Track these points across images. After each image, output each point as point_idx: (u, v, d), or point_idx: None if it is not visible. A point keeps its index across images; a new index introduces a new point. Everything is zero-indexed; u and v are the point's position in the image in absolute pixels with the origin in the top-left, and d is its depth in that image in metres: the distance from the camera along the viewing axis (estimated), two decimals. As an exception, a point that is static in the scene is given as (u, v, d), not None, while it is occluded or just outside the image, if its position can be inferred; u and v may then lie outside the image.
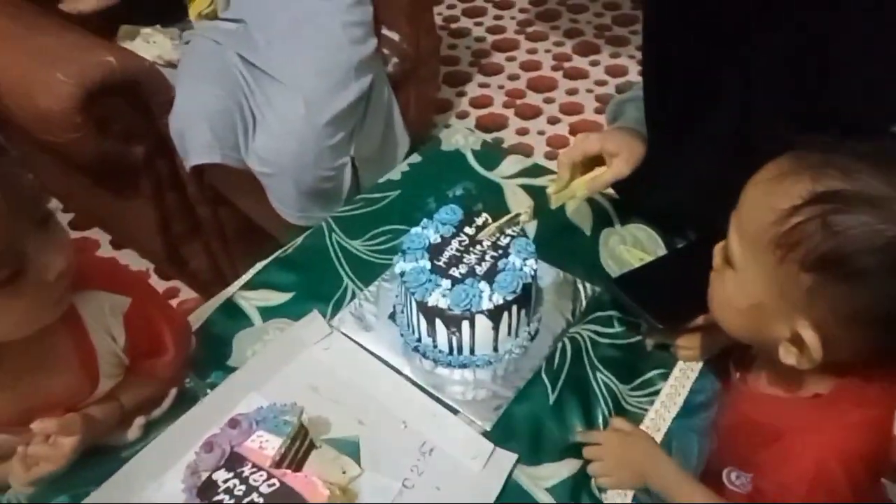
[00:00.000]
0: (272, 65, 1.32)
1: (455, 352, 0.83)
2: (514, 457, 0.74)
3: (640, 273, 0.87)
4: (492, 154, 1.14)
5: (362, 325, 0.89)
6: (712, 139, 0.83)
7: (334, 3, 1.45)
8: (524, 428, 0.78)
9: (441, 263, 0.83)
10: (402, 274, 0.82)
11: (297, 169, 1.31)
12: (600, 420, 0.78)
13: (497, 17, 2.68)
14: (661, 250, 0.96)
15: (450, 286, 0.80)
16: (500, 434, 0.77)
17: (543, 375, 0.82)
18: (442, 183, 1.09)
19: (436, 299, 0.79)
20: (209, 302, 0.92)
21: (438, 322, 0.80)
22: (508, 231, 0.86)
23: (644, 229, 0.99)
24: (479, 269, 0.82)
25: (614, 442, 0.73)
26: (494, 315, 0.79)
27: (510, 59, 2.47)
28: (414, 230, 0.87)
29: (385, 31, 1.69)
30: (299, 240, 1.01)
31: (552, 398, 0.80)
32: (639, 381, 0.82)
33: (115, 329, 0.71)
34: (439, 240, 0.86)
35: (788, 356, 0.58)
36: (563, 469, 0.74)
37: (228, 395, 0.80)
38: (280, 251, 1.00)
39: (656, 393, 0.81)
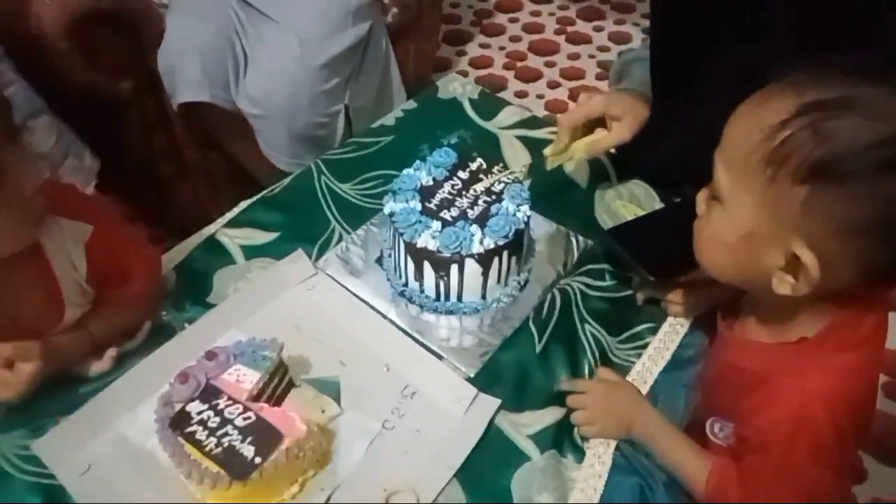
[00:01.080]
0: (267, 3, 1.27)
1: (442, 297, 0.81)
2: (496, 402, 0.73)
3: (633, 225, 0.85)
4: (490, 104, 1.11)
5: (348, 269, 0.86)
6: (717, 93, 0.80)
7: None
8: (509, 375, 0.76)
9: (432, 205, 0.81)
10: (392, 214, 0.80)
11: (289, 112, 1.27)
12: (586, 371, 0.77)
13: (502, -23, 2.61)
14: (658, 206, 0.94)
15: (440, 228, 0.77)
16: (485, 381, 0.75)
17: (531, 325, 0.80)
18: (437, 130, 1.05)
19: (425, 241, 0.77)
20: (190, 238, 0.89)
21: (427, 265, 0.78)
22: (503, 178, 0.84)
23: (642, 186, 0.97)
24: (471, 213, 0.80)
25: (599, 391, 0.72)
26: (485, 259, 0.77)
27: (513, 21, 2.42)
28: (406, 171, 0.84)
29: None
30: (287, 180, 0.98)
31: (539, 347, 0.79)
32: (627, 333, 0.81)
33: (77, 257, 0.69)
34: (431, 182, 0.83)
35: (783, 286, 0.56)
36: (547, 416, 0.72)
37: (207, 330, 0.78)
38: (266, 191, 0.97)
39: (644, 346, 0.79)
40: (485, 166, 0.86)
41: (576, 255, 0.88)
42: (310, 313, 0.81)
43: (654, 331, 0.81)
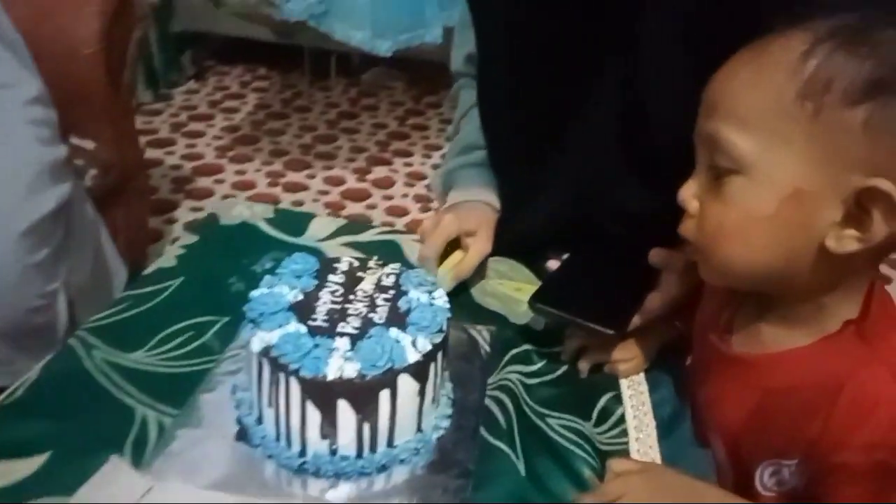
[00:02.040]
0: None
1: (367, 449, 0.55)
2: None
3: (553, 286, 0.71)
4: (293, 218, 0.90)
5: (198, 463, 0.54)
6: (599, 135, 0.76)
7: (11, 97, 1.10)
8: (508, 520, 0.53)
9: (319, 323, 0.56)
10: (268, 350, 0.52)
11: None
12: (587, 473, 0.57)
13: (189, 146, 2.44)
14: (532, 277, 0.82)
15: (349, 345, 0.53)
16: (480, 541, 0.51)
17: (495, 442, 0.59)
18: (241, 259, 0.80)
19: (337, 368, 0.51)
20: None
21: (343, 406, 0.52)
22: (387, 270, 0.64)
23: (503, 261, 0.84)
24: (378, 318, 0.57)
25: (638, 485, 0.53)
26: (421, 371, 0.54)
27: (219, 182, 2.23)
28: (256, 294, 0.58)
29: (75, 140, 1.37)
30: (32, 373, 0.62)
31: (521, 468, 0.57)
32: (595, 413, 0.64)
33: None
34: (301, 297, 0.59)
35: (845, 243, 0.47)
36: (591, 552, 0.50)
37: None
38: (4, 395, 0.59)
39: (620, 422, 0.63)
40: (356, 263, 0.65)
41: (485, 345, 0.71)
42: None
43: (617, 400, 0.66)
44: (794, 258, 0.50)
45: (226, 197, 2.12)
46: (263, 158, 2.40)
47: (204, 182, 2.21)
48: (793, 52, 0.47)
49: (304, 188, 2.25)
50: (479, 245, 0.79)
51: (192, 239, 0.84)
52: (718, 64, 0.53)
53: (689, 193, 0.54)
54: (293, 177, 2.30)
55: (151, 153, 2.30)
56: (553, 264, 0.80)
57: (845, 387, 0.49)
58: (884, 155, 0.45)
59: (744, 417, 0.56)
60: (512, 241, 0.84)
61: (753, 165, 0.49)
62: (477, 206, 0.83)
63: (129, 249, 1.47)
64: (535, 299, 0.67)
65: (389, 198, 2.24)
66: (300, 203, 2.15)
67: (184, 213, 2.02)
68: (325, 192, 2.24)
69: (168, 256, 0.80)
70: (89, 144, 1.42)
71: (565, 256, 0.78)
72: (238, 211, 0.90)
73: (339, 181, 2.29)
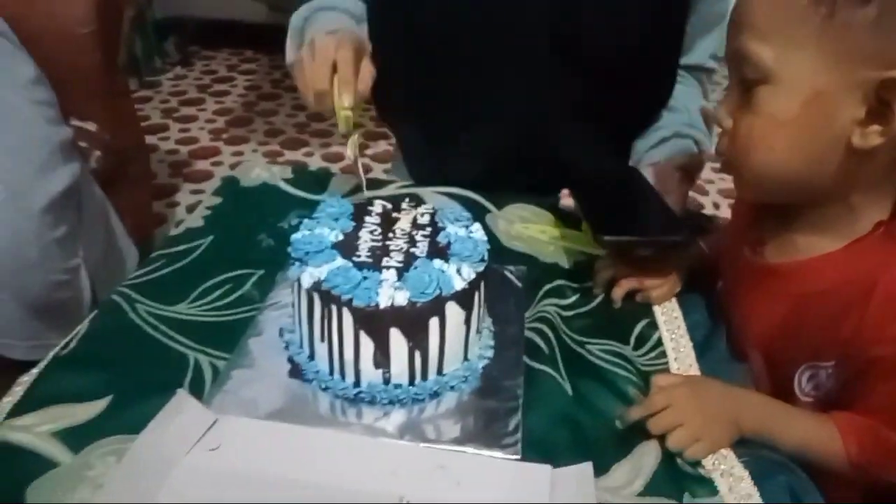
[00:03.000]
0: None
1: (418, 377, 0.56)
2: (586, 466, 0.50)
3: (602, 217, 0.71)
4: (313, 178, 0.90)
5: (255, 400, 0.55)
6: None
7: (10, 79, 1.10)
8: (559, 437, 0.54)
9: (364, 259, 0.57)
10: (319, 284, 0.54)
11: (16, 274, 0.88)
12: (631, 392, 0.59)
13: (183, 131, 2.42)
14: (552, 219, 0.84)
15: (397, 276, 0.55)
16: (537, 457, 0.52)
17: (540, 366, 0.61)
18: (267, 217, 0.81)
19: (388, 297, 0.53)
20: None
21: (395, 334, 0.54)
22: (421, 210, 0.65)
23: (525, 207, 0.86)
24: (419, 251, 0.59)
25: (686, 396, 0.55)
26: (467, 299, 0.56)
27: (216, 164, 2.22)
28: (298, 235, 0.59)
29: (77, 122, 1.37)
30: (81, 327, 0.62)
31: (568, 388, 0.59)
32: (633, 338, 0.66)
33: None
34: (342, 237, 0.60)
35: (870, 138, 0.49)
36: (644, 461, 0.52)
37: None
38: (56, 349, 0.60)
39: (658, 345, 0.65)
40: (389, 206, 0.66)
41: (518, 283, 0.72)
42: (236, 483, 0.48)
43: (653, 326, 0.68)
44: (821, 160, 0.52)
45: (238, 166, 2.12)
46: (259, 139, 2.39)
47: (202, 165, 2.21)
48: None
49: (305, 166, 2.25)
50: (367, 66, 0.69)
51: (215, 200, 0.85)
52: None
53: (723, 111, 0.55)
54: (291, 155, 2.30)
55: (146, 139, 2.28)
56: (566, 201, 0.82)
57: (877, 284, 0.52)
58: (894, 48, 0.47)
59: (780, 325, 0.58)
60: (448, 172, 0.87)
61: (775, 72, 0.51)
62: (347, 32, 0.72)
63: (136, 232, 1.47)
64: (602, 233, 0.68)
65: (389, 171, 2.24)
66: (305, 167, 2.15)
67: (185, 196, 2.01)
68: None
69: (195, 217, 0.81)
70: (91, 126, 1.41)
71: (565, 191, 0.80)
72: (256, 173, 0.91)
73: (338, 158, 2.29)
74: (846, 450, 0.53)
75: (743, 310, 0.63)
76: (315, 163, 2.26)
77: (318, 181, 0.90)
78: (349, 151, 0.69)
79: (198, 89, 2.74)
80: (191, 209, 1.96)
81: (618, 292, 0.70)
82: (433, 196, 0.86)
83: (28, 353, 0.89)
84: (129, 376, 0.57)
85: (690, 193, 0.81)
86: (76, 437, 0.51)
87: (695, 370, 0.62)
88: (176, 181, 2.11)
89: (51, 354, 0.59)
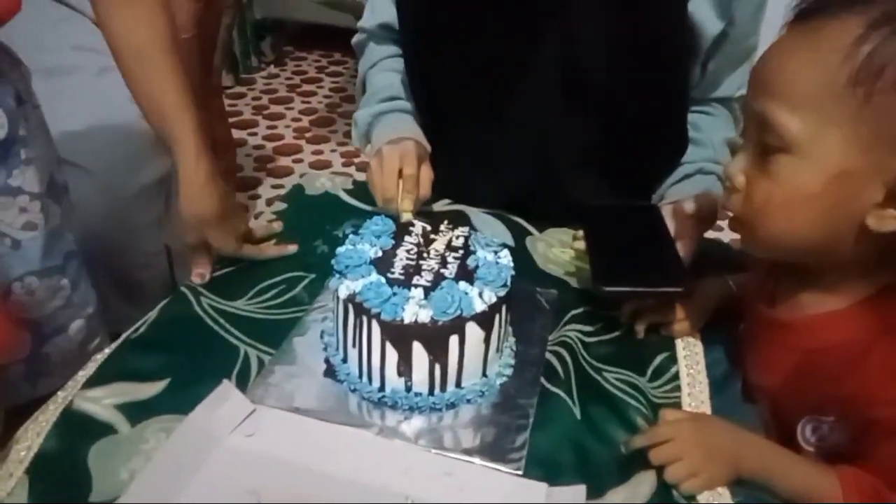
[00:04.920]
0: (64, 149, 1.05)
1: (437, 388, 0.61)
2: (580, 489, 0.54)
3: (604, 265, 0.72)
4: (370, 189, 0.97)
5: (292, 394, 0.62)
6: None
7: (117, 78, 1.23)
8: (563, 458, 0.58)
9: (397, 276, 0.63)
10: (353, 296, 0.60)
11: (103, 256, 0.99)
12: (639, 422, 0.62)
13: (270, 128, 2.57)
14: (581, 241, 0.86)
15: (423, 295, 0.60)
16: (538, 473, 0.56)
17: (554, 389, 0.64)
18: (324, 224, 0.88)
19: (413, 313, 0.58)
20: (35, 418, 0.58)
21: (417, 347, 0.59)
22: (457, 232, 0.70)
23: (565, 231, 0.89)
24: (448, 273, 0.64)
25: (687, 433, 0.57)
26: (487, 320, 0.60)
27: (297, 161, 2.35)
28: (342, 250, 0.66)
29: None
30: (152, 314, 0.71)
31: (577, 412, 0.62)
32: (650, 370, 0.69)
33: None
34: (380, 254, 0.66)
35: (885, 222, 0.50)
36: (640, 489, 0.55)
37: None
38: (127, 333, 0.69)
39: (674, 379, 0.68)
40: (429, 227, 0.71)
41: (546, 306, 0.76)
42: (265, 468, 0.55)
43: (672, 359, 0.70)
44: (835, 234, 0.53)
45: (304, 175, 2.24)
46: (338, 139, 2.51)
47: (284, 161, 2.34)
48: (847, 35, 0.48)
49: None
50: (427, 172, 0.83)
51: (281, 206, 0.93)
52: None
53: (737, 169, 0.56)
54: (366, 157, 2.40)
55: (236, 134, 2.44)
56: (579, 244, 0.83)
57: (877, 345, 0.52)
58: None
59: (785, 377, 0.60)
60: (475, 198, 0.93)
61: (802, 146, 0.51)
62: (409, 141, 0.86)
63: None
64: (599, 283, 0.69)
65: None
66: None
67: (266, 190, 2.15)
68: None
69: (262, 220, 0.89)
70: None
71: (580, 233, 0.82)
72: (321, 182, 0.99)
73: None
74: (846, 503, 0.54)
75: (754, 358, 0.64)
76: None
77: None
78: None
79: (287, 88, 2.90)
80: (270, 202, 2.09)
81: (641, 324, 0.72)
82: (479, 216, 0.91)
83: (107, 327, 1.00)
84: (186, 362, 0.65)
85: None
86: (136, 412, 0.59)
87: (706, 407, 0.64)
88: (259, 175, 2.25)
89: (122, 336, 0.68)
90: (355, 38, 1.00)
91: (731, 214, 0.59)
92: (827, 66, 0.49)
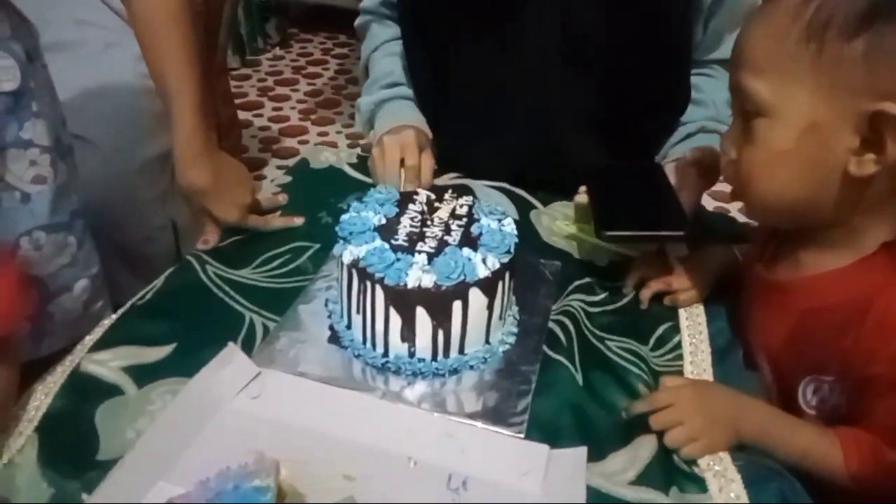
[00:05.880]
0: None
1: (441, 353, 0.62)
2: (581, 451, 0.54)
3: (607, 213, 0.74)
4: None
5: (296, 359, 0.63)
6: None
7: (121, 54, 1.23)
8: (564, 422, 0.58)
9: (400, 242, 0.63)
10: (357, 262, 0.60)
11: (110, 228, 1.00)
12: (640, 388, 0.62)
13: (276, 109, 2.57)
14: (588, 216, 0.86)
15: (427, 261, 0.60)
16: (539, 437, 0.57)
17: (556, 356, 0.65)
18: (329, 198, 0.88)
19: (416, 278, 0.58)
20: (42, 378, 0.58)
21: (420, 313, 0.59)
22: (461, 201, 0.70)
23: (568, 205, 0.89)
24: (452, 239, 0.64)
25: (687, 399, 0.57)
26: (490, 286, 0.60)
27: (303, 143, 2.35)
28: (346, 217, 0.66)
29: None
30: (158, 282, 0.72)
31: (579, 378, 0.63)
32: (653, 339, 0.69)
33: None
34: (384, 221, 0.66)
35: (865, 166, 0.51)
36: (640, 452, 0.56)
37: (122, 493, 0.48)
38: (134, 299, 0.69)
39: (676, 348, 0.68)
40: (433, 196, 0.71)
41: (549, 277, 0.76)
42: (270, 429, 0.55)
43: (675, 329, 0.70)
44: (821, 187, 0.54)
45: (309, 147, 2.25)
46: (344, 121, 2.50)
47: (289, 142, 2.34)
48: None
49: (382, 149, 2.34)
50: (428, 160, 0.87)
51: (286, 179, 0.93)
52: None
53: (729, 142, 0.58)
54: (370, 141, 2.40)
55: (242, 115, 2.44)
56: (580, 198, 0.85)
57: (874, 303, 0.53)
58: (887, 80, 0.49)
59: (786, 338, 0.60)
60: (478, 168, 0.93)
61: (771, 106, 0.53)
62: (410, 130, 0.89)
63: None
64: (602, 228, 0.71)
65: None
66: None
67: (271, 171, 2.15)
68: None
69: (266, 192, 0.89)
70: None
71: (583, 188, 0.83)
72: (325, 156, 0.99)
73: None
74: (846, 464, 0.54)
75: (754, 322, 0.65)
76: (394, 147, 2.35)
77: (379, 168, 0.96)
78: None
79: (293, 70, 2.89)
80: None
81: (645, 293, 0.72)
82: (483, 189, 0.91)
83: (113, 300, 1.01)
84: (192, 328, 0.65)
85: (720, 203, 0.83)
86: (142, 374, 0.60)
87: (708, 375, 0.64)
88: (265, 156, 2.25)
89: (129, 303, 0.68)
90: (358, 21, 1.01)
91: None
92: (780, 28, 0.52)
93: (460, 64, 0.88)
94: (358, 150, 1.02)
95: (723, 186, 0.69)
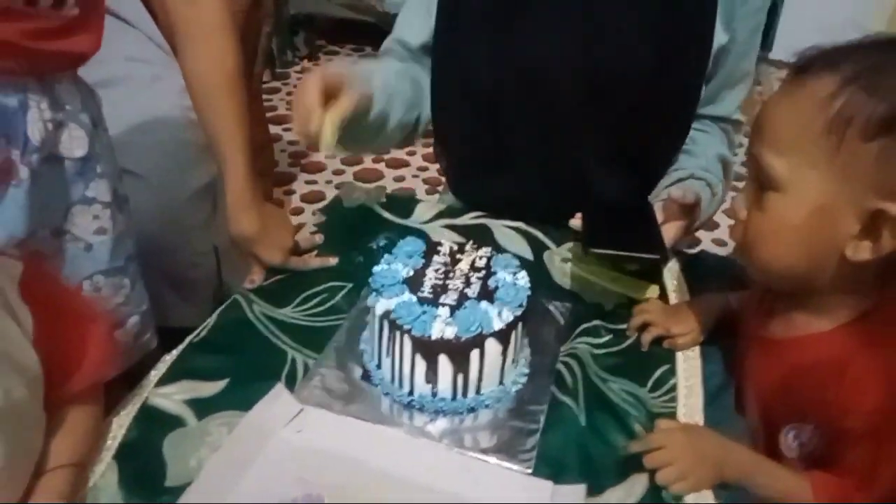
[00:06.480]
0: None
1: (460, 394, 0.70)
2: (580, 488, 0.62)
3: (594, 233, 0.83)
4: (402, 202, 1.06)
5: (334, 395, 0.71)
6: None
7: (166, 87, 1.32)
8: (568, 458, 0.66)
9: (426, 294, 0.71)
10: (388, 313, 0.69)
11: (159, 256, 1.09)
12: (636, 429, 0.70)
13: (304, 122, 2.66)
14: (602, 262, 0.94)
15: (449, 314, 0.68)
16: (545, 472, 0.65)
17: (563, 397, 0.73)
18: (361, 237, 0.97)
19: (440, 330, 0.66)
20: (117, 412, 0.68)
21: (443, 359, 0.67)
22: (480, 253, 0.78)
23: (579, 245, 0.97)
24: (471, 292, 0.72)
25: (679, 441, 0.65)
26: (504, 336, 0.68)
27: (329, 157, 2.44)
28: (378, 269, 0.74)
29: None
30: (211, 319, 0.81)
31: (582, 419, 0.71)
32: (651, 381, 0.76)
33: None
34: (412, 273, 0.74)
35: (860, 251, 0.57)
36: (634, 488, 0.63)
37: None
38: (191, 336, 0.78)
39: (672, 390, 0.75)
40: (455, 247, 0.79)
41: (560, 318, 0.84)
42: (313, 459, 0.64)
43: (672, 372, 0.78)
44: (818, 262, 0.60)
45: (336, 172, 2.33)
46: (369, 135, 2.59)
47: (317, 157, 2.44)
48: (824, 90, 0.56)
49: (405, 164, 2.43)
50: (352, 92, 0.74)
51: (321, 219, 1.02)
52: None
53: (740, 204, 0.65)
54: (395, 153, 2.48)
55: (271, 130, 2.54)
56: (575, 222, 0.90)
57: (851, 364, 0.60)
58: (893, 182, 0.55)
59: (774, 389, 0.67)
60: (489, 198, 1.01)
61: (786, 184, 0.59)
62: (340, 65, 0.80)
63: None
64: (588, 245, 0.80)
65: (442, 191, 2.38)
66: (401, 178, 2.33)
67: (300, 186, 2.25)
68: (424, 169, 2.40)
69: (305, 231, 0.98)
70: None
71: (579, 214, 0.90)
72: (356, 195, 1.08)
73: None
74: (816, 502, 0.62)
75: (748, 370, 0.72)
76: (416, 162, 2.43)
77: (406, 206, 1.05)
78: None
79: (321, 83, 2.98)
80: (304, 198, 2.19)
81: (647, 337, 0.80)
82: (500, 229, 0.99)
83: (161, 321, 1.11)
84: (242, 364, 0.74)
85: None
86: (201, 407, 0.69)
87: (699, 418, 0.72)
88: (294, 170, 2.35)
89: (187, 340, 0.78)
90: (381, 47, 1.03)
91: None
92: (806, 115, 0.57)
93: (489, 99, 0.94)
94: (386, 190, 1.10)
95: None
